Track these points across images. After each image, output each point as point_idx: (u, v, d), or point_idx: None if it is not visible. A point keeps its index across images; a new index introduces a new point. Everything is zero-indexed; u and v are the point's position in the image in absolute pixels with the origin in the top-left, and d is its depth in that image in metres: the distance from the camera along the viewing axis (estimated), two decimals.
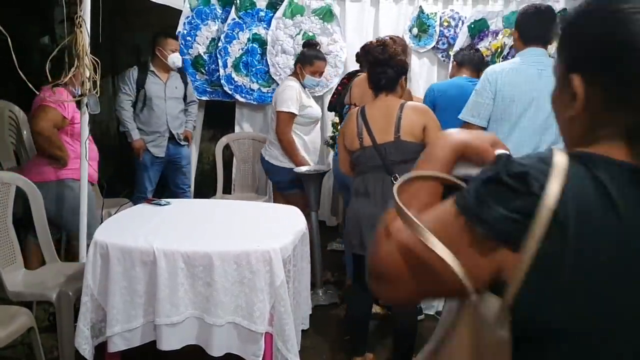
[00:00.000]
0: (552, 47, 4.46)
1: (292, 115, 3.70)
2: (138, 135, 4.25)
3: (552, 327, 0.77)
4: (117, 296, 2.36)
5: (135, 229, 2.54)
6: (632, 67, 0.79)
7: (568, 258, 0.74)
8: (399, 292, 0.86)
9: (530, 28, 2.82)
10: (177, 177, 4.52)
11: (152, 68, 4.29)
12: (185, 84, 4.48)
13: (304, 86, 3.81)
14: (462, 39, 4.58)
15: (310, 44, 3.97)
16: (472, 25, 4.58)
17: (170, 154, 4.38)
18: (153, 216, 2.81)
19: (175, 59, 4.26)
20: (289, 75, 3.95)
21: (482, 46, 4.48)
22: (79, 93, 3.32)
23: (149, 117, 4.27)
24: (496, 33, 4.52)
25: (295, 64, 3.90)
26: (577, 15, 0.87)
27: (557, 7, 4.49)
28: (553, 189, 0.74)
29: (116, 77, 5.80)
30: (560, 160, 0.77)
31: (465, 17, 4.64)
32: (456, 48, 4.47)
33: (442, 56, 4.76)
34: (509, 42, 4.38)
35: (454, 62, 3.77)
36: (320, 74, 3.87)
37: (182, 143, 4.45)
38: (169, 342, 2.35)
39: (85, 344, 2.40)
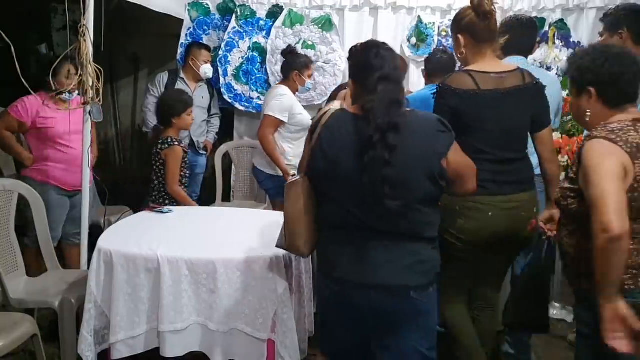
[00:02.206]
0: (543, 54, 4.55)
1: (278, 122, 3.82)
2: None
3: (319, 172, 1.88)
4: (120, 303, 2.38)
5: (138, 237, 2.56)
6: (366, 77, 1.84)
7: (318, 152, 1.86)
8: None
9: (514, 38, 2.90)
10: (189, 185, 4.59)
11: (182, 75, 4.46)
12: (212, 96, 4.63)
13: (295, 92, 3.92)
14: None
15: (292, 51, 4.07)
16: None
17: (189, 160, 4.45)
18: (156, 224, 2.83)
19: (207, 69, 4.42)
20: (280, 84, 4.02)
21: None
22: (67, 97, 3.39)
23: None
24: None
25: (288, 72, 3.97)
26: (355, 49, 1.96)
27: (554, 17, 4.56)
28: (317, 131, 1.88)
29: (115, 84, 5.84)
30: (331, 111, 1.91)
31: None
32: None
33: (423, 69, 4.77)
34: None
35: (425, 73, 3.80)
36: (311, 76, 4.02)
37: (201, 152, 4.58)
38: (173, 349, 2.37)
39: (88, 351, 2.42)
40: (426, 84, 3.75)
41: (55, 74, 3.31)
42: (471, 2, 2.35)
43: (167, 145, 3.36)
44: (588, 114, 1.93)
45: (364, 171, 1.75)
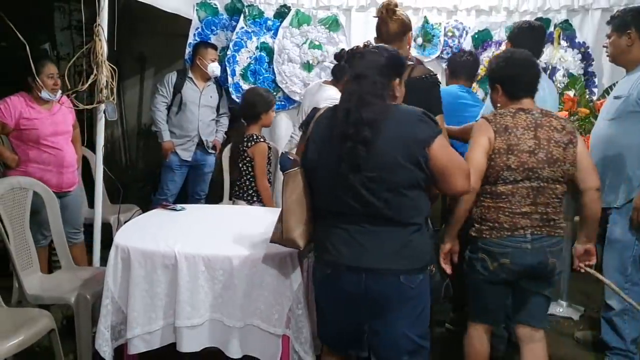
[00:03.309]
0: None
1: None
2: (169, 137, 4.46)
3: (310, 161, 2.04)
4: (138, 299, 2.40)
5: (155, 234, 2.59)
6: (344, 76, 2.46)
7: (310, 143, 2.05)
8: None
9: (524, 42, 3.06)
10: (197, 183, 4.69)
11: (190, 75, 4.50)
12: (220, 95, 4.67)
13: None
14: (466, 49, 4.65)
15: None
16: (476, 36, 4.66)
17: (197, 159, 4.57)
18: (170, 221, 2.86)
19: (214, 67, 4.46)
20: (330, 84, 3.88)
21: (486, 56, 4.56)
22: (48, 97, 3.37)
23: (181, 120, 4.47)
24: (499, 43, 4.59)
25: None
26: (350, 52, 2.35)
27: (559, 17, 4.60)
28: (311, 125, 2.08)
29: (121, 84, 5.86)
30: (320, 111, 2.11)
31: (469, 28, 4.71)
32: None
33: (447, 66, 4.82)
34: None
35: (447, 70, 3.88)
36: None
37: (210, 151, 4.62)
38: (189, 344, 2.39)
39: (105, 346, 2.43)
40: (447, 83, 3.80)
41: (38, 74, 3.27)
42: None
43: (253, 143, 3.43)
44: (499, 105, 2.46)
45: (341, 160, 1.91)
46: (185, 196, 4.73)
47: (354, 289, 1.98)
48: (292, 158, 2.38)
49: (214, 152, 4.65)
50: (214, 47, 4.57)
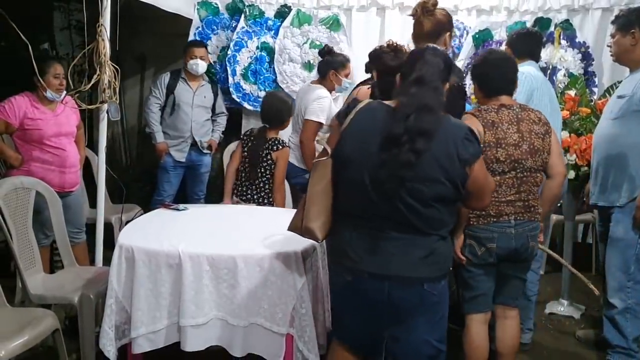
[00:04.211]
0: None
1: (320, 125, 3.84)
2: (162, 138, 4.43)
3: (344, 155, 1.95)
4: (142, 298, 2.40)
5: (158, 233, 2.59)
6: (405, 77, 1.99)
7: (347, 135, 1.95)
8: None
9: (524, 46, 3.20)
10: (195, 184, 4.66)
11: (183, 75, 4.45)
12: (216, 95, 4.61)
13: (330, 92, 3.94)
14: (466, 49, 4.66)
15: (330, 51, 4.05)
16: (477, 35, 4.67)
17: (192, 160, 4.52)
18: (173, 221, 2.86)
19: (194, 64, 4.36)
20: (315, 83, 4.02)
21: None
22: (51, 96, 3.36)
23: (175, 121, 4.43)
24: (500, 43, 4.60)
25: (325, 72, 3.95)
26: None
27: (560, 17, 4.61)
28: (350, 116, 1.97)
29: (121, 84, 5.84)
30: (361, 104, 2.01)
31: (470, 27, 4.72)
32: (461, 57, 4.56)
33: None
34: None
35: None
36: (348, 75, 4.02)
37: (205, 151, 4.58)
38: (193, 343, 2.40)
39: (109, 345, 2.44)
40: None
41: (44, 74, 3.28)
42: None
43: (280, 147, 3.45)
44: (475, 100, 2.67)
45: (383, 165, 1.85)
46: (184, 197, 4.70)
47: (377, 296, 1.94)
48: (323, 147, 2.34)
49: (209, 152, 4.61)
50: (200, 44, 4.50)
